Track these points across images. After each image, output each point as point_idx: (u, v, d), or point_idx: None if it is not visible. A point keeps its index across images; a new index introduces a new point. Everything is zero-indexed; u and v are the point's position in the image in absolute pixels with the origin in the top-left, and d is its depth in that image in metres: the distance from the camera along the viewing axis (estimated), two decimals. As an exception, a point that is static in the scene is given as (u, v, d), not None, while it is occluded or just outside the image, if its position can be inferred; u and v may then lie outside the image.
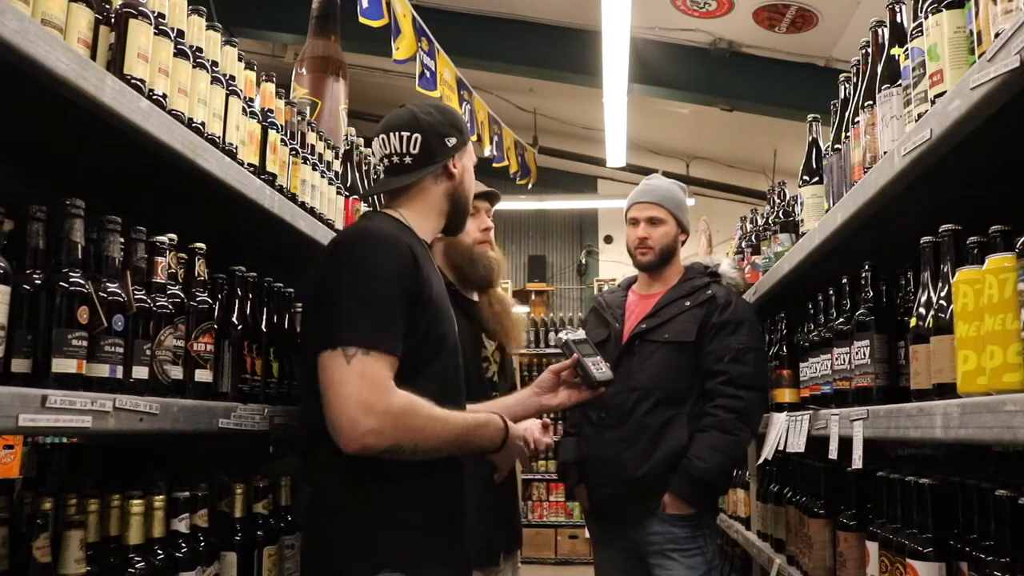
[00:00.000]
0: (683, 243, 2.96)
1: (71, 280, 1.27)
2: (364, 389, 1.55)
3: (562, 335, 2.15)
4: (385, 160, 1.86)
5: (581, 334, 2.22)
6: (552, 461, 7.97)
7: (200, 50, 1.68)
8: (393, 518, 1.64)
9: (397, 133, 1.84)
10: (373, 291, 1.62)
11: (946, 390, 1.36)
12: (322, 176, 2.31)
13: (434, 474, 1.67)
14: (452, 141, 1.87)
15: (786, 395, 2.53)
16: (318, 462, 1.71)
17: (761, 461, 2.73)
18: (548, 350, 8.36)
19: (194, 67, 1.63)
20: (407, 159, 1.83)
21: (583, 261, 10.88)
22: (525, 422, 2.06)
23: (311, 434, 1.75)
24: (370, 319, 1.60)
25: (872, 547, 1.78)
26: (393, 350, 1.61)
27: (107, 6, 1.43)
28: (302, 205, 2.13)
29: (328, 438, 1.68)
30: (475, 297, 2.50)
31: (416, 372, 1.67)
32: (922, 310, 1.50)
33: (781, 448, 2.42)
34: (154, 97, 1.47)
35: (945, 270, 1.45)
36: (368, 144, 2.77)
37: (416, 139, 1.83)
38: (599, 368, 2.03)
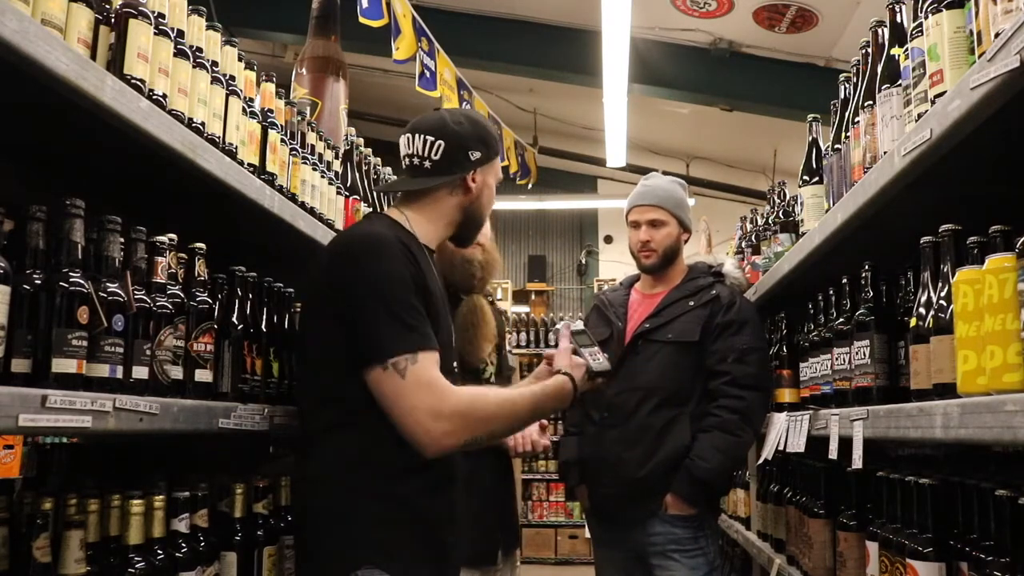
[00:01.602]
0: (686, 241, 2.95)
1: (71, 280, 1.27)
2: (426, 397, 1.59)
3: (559, 325, 2.13)
4: (406, 159, 1.85)
5: (579, 325, 2.21)
6: (552, 461, 7.97)
7: (200, 50, 1.68)
8: (378, 517, 1.64)
9: (422, 136, 1.82)
10: (393, 296, 1.63)
11: (946, 390, 1.36)
12: (322, 176, 2.31)
13: (424, 475, 1.68)
14: (476, 155, 1.84)
15: (786, 395, 2.53)
16: (311, 462, 1.72)
17: (761, 461, 2.73)
18: (549, 350, 8.34)
19: (194, 67, 1.63)
20: (426, 163, 1.81)
21: (583, 261, 10.88)
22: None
23: (308, 435, 1.75)
24: (402, 324, 1.62)
25: (872, 547, 1.78)
26: (433, 344, 1.65)
27: (107, 6, 1.43)
28: (302, 205, 2.13)
29: (323, 439, 1.69)
30: (463, 298, 2.51)
31: None
32: (922, 310, 1.50)
33: (781, 448, 2.42)
34: (154, 97, 1.47)
35: (945, 270, 1.45)
36: (368, 144, 2.79)
37: (439, 145, 1.81)
38: (596, 359, 2.00)
